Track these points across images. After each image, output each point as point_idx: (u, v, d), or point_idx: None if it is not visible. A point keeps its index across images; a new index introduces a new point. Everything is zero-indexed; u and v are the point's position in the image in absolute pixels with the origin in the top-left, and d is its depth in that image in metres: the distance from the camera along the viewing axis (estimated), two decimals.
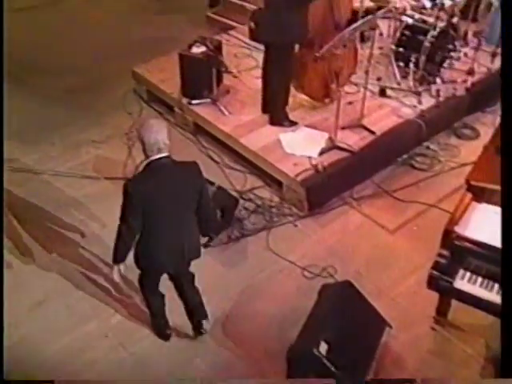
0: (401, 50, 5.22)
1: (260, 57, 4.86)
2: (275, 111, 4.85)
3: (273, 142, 4.70)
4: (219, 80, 5.20)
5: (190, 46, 5.04)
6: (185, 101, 5.15)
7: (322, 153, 4.57)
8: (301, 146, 4.64)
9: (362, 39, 5.57)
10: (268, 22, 4.42)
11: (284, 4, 4.29)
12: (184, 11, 7.09)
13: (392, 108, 5.08)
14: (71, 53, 6.26)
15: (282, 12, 4.32)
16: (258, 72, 4.98)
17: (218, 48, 5.17)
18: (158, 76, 5.50)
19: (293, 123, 4.88)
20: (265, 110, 4.93)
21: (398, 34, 5.22)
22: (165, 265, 3.28)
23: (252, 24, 5.58)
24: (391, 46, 5.27)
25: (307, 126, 4.88)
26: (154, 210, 3.08)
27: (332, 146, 4.61)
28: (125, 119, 5.34)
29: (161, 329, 3.67)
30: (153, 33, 6.55)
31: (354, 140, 4.69)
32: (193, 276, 3.51)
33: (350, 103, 5.07)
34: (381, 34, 5.72)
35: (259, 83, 4.91)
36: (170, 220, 3.14)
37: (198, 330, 3.64)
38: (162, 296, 3.56)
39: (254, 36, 5.16)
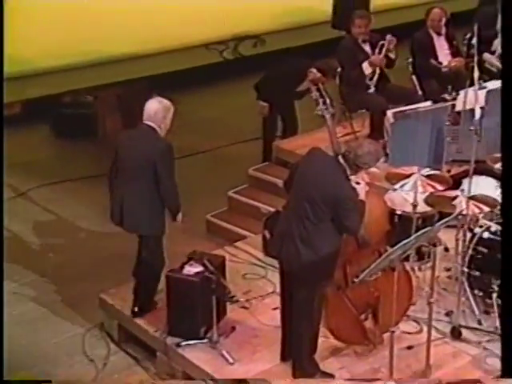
0: (476, 273, 5.07)
1: (277, 280, 4.81)
2: (300, 359, 4.65)
3: None
4: (221, 312, 5.08)
5: (182, 265, 4.97)
6: (172, 341, 4.99)
7: None
8: None
9: (420, 257, 5.36)
10: (290, 234, 4.40)
11: (317, 213, 4.29)
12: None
13: (472, 358, 4.78)
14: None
15: (309, 223, 4.31)
16: (276, 300, 4.92)
17: (221, 267, 5.10)
18: None
19: (326, 375, 4.66)
20: (285, 357, 4.76)
21: (470, 251, 5.07)
22: (113, 215, 5.04)
23: (267, 233, 5.59)
24: (462, 268, 5.07)
25: (349, 380, 4.66)
26: (119, 161, 4.96)
27: None
28: (84, 369, 5.10)
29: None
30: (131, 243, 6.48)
31: None
32: (147, 260, 5.11)
33: (410, 348, 4.83)
34: (446, 250, 5.61)
35: (277, 317, 4.79)
36: (125, 176, 4.91)
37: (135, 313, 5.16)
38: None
39: (269, 250, 5.22)
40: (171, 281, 4.92)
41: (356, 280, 4.48)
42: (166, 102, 4.94)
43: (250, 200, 6.81)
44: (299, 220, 4.36)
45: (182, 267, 4.94)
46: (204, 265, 4.87)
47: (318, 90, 5.42)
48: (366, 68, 6.77)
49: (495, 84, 6.36)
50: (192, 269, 4.90)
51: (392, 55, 6.83)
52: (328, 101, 4.91)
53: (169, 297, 4.95)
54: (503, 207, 3.21)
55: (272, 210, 6.01)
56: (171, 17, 8.76)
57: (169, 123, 4.93)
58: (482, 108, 5.66)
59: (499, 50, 7.11)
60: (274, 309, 4.97)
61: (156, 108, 4.87)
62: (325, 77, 6.84)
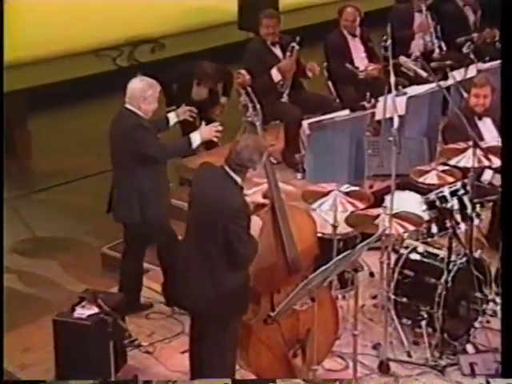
0: (404, 299, 5.15)
1: (186, 318, 4.91)
2: None
3: None
4: (121, 359, 5.02)
5: (73, 307, 4.91)
6: None
7: None
8: None
9: (343, 284, 5.43)
10: (189, 265, 4.43)
11: (214, 238, 4.29)
12: (68, 241, 7.03)
13: None
14: None
15: (208, 252, 4.32)
16: (185, 342, 4.92)
17: (119, 306, 4.99)
18: (17, 358, 5.25)
19: None
20: None
21: (396, 275, 5.17)
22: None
23: None
24: (388, 294, 5.15)
25: None
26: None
27: None
28: None
29: None
30: (15, 291, 6.23)
31: None
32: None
33: None
34: (371, 275, 5.69)
35: (187, 362, 4.77)
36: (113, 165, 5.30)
37: None
38: None
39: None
40: (59, 326, 4.82)
41: (272, 314, 4.46)
42: (148, 80, 5.05)
43: None
44: (198, 248, 4.34)
45: (72, 309, 4.85)
46: (98, 305, 4.77)
47: (248, 94, 5.33)
48: (276, 74, 6.77)
49: (416, 90, 6.52)
50: (84, 311, 4.84)
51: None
52: (258, 106, 4.86)
53: (57, 344, 4.84)
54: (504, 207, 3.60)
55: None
56: (53, 18, 8.57)
57: (153, 102, 5.03)
58: (401, 116, 5.77)
59: (416, 53, 7.29)
60: (183, 352, 4.95)
61: (133, 88, 5.00)
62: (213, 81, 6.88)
